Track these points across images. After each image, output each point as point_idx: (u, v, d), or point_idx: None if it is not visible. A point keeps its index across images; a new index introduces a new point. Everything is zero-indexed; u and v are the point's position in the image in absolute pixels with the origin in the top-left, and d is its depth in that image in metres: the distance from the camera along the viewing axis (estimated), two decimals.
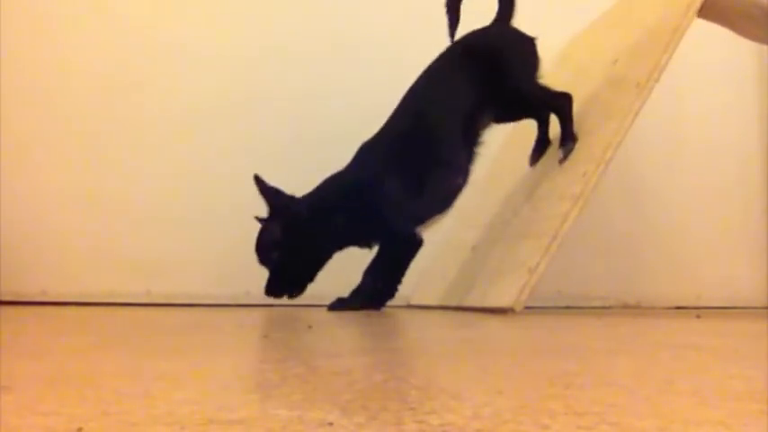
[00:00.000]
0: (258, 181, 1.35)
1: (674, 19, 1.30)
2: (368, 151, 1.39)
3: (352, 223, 1.34)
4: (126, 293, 1.72)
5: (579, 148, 1.35)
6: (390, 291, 1.38)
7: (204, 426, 0.30)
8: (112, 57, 1.83)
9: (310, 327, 0.95)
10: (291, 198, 1.35)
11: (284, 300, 1.47)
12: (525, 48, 1.42)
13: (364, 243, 1.39)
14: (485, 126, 1.43)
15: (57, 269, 1.75)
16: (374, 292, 1.37)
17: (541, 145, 1.50)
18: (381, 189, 1.34)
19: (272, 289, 1.35)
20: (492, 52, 1.42)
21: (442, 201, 1.41)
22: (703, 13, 1.34)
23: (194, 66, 1.87)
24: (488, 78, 1.38)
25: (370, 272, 1.38)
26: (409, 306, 1.43)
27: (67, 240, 1.76)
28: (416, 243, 1.36)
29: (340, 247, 1.37)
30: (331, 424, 0.29)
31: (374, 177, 1.35)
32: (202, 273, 1.78)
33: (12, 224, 1.72)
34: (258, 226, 1.37)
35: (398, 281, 1.38)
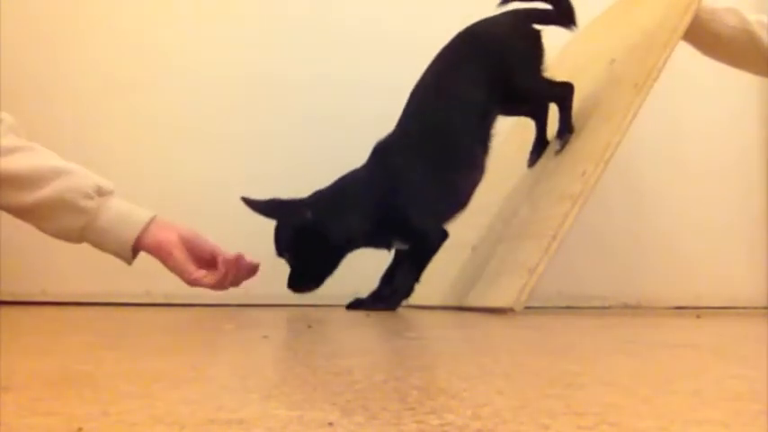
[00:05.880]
0: (248, 202, 1.31)
1: (672, 19, 1.30)
2: (385, 151, 1.37)
3: (371, 224, 1.32)
4: (126, 293, 1.72)
5: (578, 148, 1.35)
6: (409, 290, 1.37)
7: (204, 426, 0.30)
8: (112, 57, 1.83)
9: (310, 327, 0.95)
10: (293, 204, 1.31)
11: (284, 299, 1.47)
12: (530, 40, 1.42)
13: (384, 244, 1.37)
14: (495, 118, 1.42)
15: (57, 269, 1.75)
16: (394, 292, 1.36)
17: (540, 146, 1.50)
18: (405, 189, 1.33)
19: (292, 284, 1.33)
20: (497, 43, 1.42)
21: (462, 198, 1.40)
22: (687, 36, 1.35)
23: (195, 64, 1.86)
24: (495, 70, 1.38)
25: (388, 277, 1.38)
26: (409, 306, 1.43)
27: None
28: (442, 237, 1.35)
29: (356, 247, 1.35)
30: (331, 424, 0.29)
31: (396, 177, 1.33)
32: None
33: (12, 224, 1.71)
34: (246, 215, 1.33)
35: (417, 279, 1.36)
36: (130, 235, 1.16)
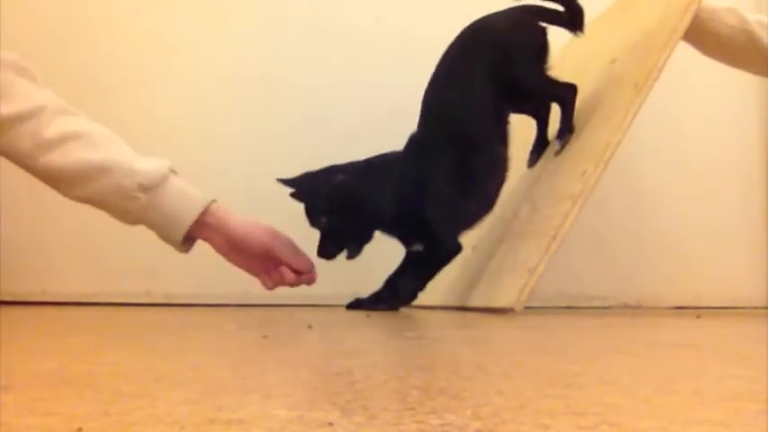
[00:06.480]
0: (283, 181, 1.30)
1: (672, 19, 1.30)
2: (418, 146, 1.35)
3: (396, 206, 1.31)
4: (126, 293, 1.72)
5: (579, 148, 1.35)
6: (413, 294, 1.36)
7: (204, 426, 0.30)
8: (112, 57, 1.83)
9: (310, 327, 0.95)
10: (325, 170, 1.30)
11: (284, 299, 1.47)
12: (535, 36, 1.41)
13: (403, 238, 1.36)
14: (508, 115, 1.41)
15: (57, 269, 1.75)
16: (396, 293, 1.36)
17: (540, 145, 1.50)
18: (430, 192, 1.31)
19: (322, 250, 1.30)
20: (500, 39, 1.40)
21: (491, 198, 1.39)
22: (687, 36, 1.35)
23: (195, 64, 1.87)
24: (498, 66, 1.36)
25: (393, 279, 1.37)
26: (410, 306, 1.43)
27: (67, 240, 1.76)
28: (457, 250, 1.35)
29: (383, 225, 1.34)
30: (331, 424, 0.29)
31: (424, 178, 1.32)
32: (202, 273, 1.78)
33: (12, 224, 1.72)
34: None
35: (424, 286, 1.36)
36: (179, 233, 1.12)
